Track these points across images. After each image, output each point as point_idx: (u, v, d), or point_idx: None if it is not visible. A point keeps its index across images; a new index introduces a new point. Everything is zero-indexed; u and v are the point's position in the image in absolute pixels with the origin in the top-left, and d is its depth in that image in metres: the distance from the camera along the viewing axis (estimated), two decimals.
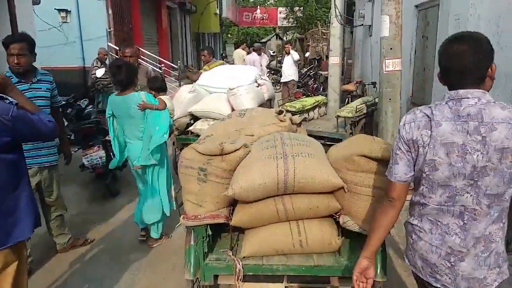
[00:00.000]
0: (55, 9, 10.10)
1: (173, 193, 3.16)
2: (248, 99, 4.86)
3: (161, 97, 3.96)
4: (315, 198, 2.29)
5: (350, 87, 7.82)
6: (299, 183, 2.21)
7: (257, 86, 5.44)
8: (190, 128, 5.00)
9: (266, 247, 2.37)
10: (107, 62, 8.78)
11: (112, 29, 10.73)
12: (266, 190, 2.23)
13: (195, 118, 5.12)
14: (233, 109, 4.75)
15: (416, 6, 5.93)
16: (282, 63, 11.13)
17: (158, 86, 4.41)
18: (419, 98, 5.90)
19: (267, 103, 5.73)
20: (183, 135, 5.11)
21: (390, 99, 4.88)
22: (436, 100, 5.03)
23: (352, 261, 2.36)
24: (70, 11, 10.42)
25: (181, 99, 5.13)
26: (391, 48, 4.74)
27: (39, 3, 6.42)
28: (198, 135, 4.62)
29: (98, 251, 3.87)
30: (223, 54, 24.07)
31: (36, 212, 2.20)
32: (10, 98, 2.00)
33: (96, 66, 8.46)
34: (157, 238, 3.99)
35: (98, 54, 8.58)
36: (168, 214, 3.94)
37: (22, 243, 2.11)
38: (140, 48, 12.19)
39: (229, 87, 4.94)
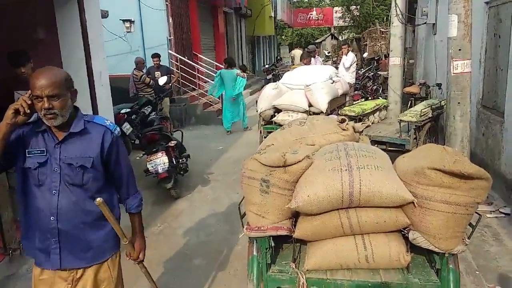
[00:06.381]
0: (120, 19, 10.64)
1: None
2: (322, 94, 5.79)
3: (243, 73, 9.39)
4: (382, 212, 2.20)
5: (414, 89, 7.46)
6: (365, 197, 2.13)
7: (332, 83, 6.36)
8: (274, 119, 6.05)
9: (330, 261, 2.31)
10: (144, 70, 9.01)
11: (172, 37, 11.11)
12: (330, 203, 2.18)
13: (278, 110, 6.14)
14: (309, 103, 5.85)
15: (487, 3, 5.52)
16: (338, 63, 10.90)
17: (244, 68, 10.71)
18: (490, 100, 5.49)
19: (342, 98, 6.89)
20: (268, 124, 6.22)
21: (459, 102, 4.59)
22: (511, 103, 4.66)
23: (422, 279, 2.25)
24: (134, 21, 10.92)
25: (266, 95, 6.27)
26: (459, 49, 4.46)
27: (107, 16, 6.80)
28: (280, 125, 5.43)
29: (162, 257, 3.99)
30: (278, 57, 24.04)
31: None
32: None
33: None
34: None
35: (137, 64, 8.76)
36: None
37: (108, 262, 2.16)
38: (198, 54, 12.56)
39: (306, 84, 5.94)
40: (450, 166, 2.03)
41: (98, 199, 1.91)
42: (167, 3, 10.92)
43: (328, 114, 5.83)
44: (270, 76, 15.57)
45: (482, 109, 5.74)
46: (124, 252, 2.23)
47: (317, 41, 37.76)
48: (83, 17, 4.92)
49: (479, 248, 3.85)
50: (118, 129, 2.13)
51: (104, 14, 6.58)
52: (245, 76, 9.40)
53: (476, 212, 2.17)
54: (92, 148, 2.00)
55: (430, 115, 5.61)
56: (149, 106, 7.35)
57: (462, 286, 3.17)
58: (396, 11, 7.93)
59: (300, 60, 10.25)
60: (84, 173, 1.97)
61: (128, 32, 10.88)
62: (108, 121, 2.10)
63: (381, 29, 17.61)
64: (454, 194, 2.05)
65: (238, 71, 9.23)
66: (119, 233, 2.08)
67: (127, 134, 6.98)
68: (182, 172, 5.70)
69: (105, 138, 2.03)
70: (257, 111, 6.46)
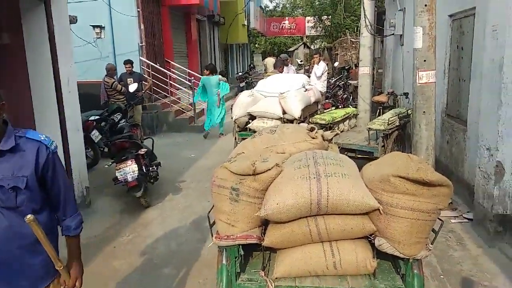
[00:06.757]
0: (90, 25, 10.43)
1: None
2: (295, 101, 5.94)
3: (224, 78, 9.91)
4: (349, 219, 2.24)
5: (382, 98, 7.66)
6: (332, 204, 2.17)
7: (305, 91, 6.55)
8: (249, 126, 6.18)
9: (299, 268, 2.33)
10: (115, 77, 8.91)
11: (143, 44, 10.99)
12: (299, 211, 2.20)
13: (252, 117, 6.28)
14: (283, 110, 5.98)
15: (450, 16, 5.76)
16: (310, 72, 11.11)
17: (224, 73, 11.70)
18: (454, 110, 5.70)
19: (314, 106, 7.07)
20: (243, 131, 6.31)
21: (424, 112, 4.74)
22: (473, 112, 4.85)
23: (388, 284, 2.29)
24: (104, 27, 10.73)
25: (241, 102, 6.39)
26: (424, 60, 4.63)
27: (76, 22, 6.66)
28: (255, 131, 5.43)
29: (131, 267, 3.92)
30: (251, 65, 24.17)
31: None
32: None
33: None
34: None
35: (108, 71, 8.60)
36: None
37: None
38: (170, 61, 12.47)
39: (280, 91, 6.09)
40: (413, 174, 2.09)
41: (29, 216, 1.72)
42: (138, 9, 10.81)
43: (301, 122, 5.91)
44: (243, 84, 15.66)
45: (446, 118, 5.96)
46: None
47: (289, 49, 38.20)
48: (51, 22, 4.82)
49: (444, 253, 3.97)
50: (54, 144, 1.97)
51: (73, 20, 6.44)
52: (226, 80, 10.06)
53: (438, 218, 2.24)
54: (26, 166, 1.82)
55: (397, 124, 5.77)
56: (119, 113, 7.24)
57: None
58: (366, 22, 8.16)
59: (274, 68, 10.60)
60: (18, 194, 1.80)
61: (98, 38, 10.68)
62: (43, 136, 1.93)
63: (352, 39, 18.01)
64: (417, 201, 2.11)
65: (220, 76, 9.82)
66: (51, 256, 1.87)
67: (95, 141, 6.84)
68: (152, 181, 5.62)
69: (39, 154, 1.86)
70: (232, 118, 6.55)
